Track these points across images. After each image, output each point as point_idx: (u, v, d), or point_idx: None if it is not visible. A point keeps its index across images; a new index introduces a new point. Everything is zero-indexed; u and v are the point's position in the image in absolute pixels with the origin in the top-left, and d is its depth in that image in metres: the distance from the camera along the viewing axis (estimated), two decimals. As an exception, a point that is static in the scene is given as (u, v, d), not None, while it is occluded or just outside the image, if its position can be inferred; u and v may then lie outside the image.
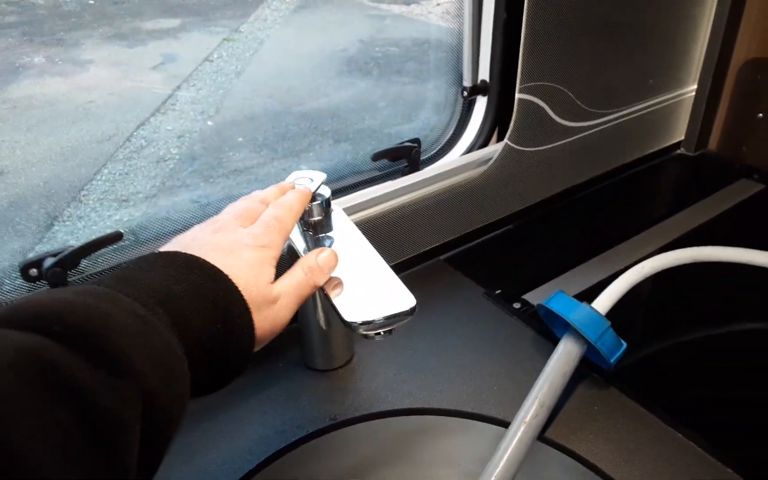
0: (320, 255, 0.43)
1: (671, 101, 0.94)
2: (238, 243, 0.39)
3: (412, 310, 0.40)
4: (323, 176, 0.52)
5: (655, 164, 0.97)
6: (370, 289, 0.43)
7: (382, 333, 0.40)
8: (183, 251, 0.36)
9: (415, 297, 0.40)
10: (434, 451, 0.58)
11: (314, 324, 0.57)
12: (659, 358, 0.63)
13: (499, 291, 0.71)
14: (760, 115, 0.91)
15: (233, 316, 0.35)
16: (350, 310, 0.40)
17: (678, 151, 1.00)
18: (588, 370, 0.59)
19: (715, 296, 0.71)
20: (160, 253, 0.36)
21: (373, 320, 0.39)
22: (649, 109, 0.92)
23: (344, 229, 0.51)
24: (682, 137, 0.99)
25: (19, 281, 0.53)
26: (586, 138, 0.85)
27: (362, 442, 0.56)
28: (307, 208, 0.51)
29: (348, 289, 0.43)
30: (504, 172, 0.78)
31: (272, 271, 0.40)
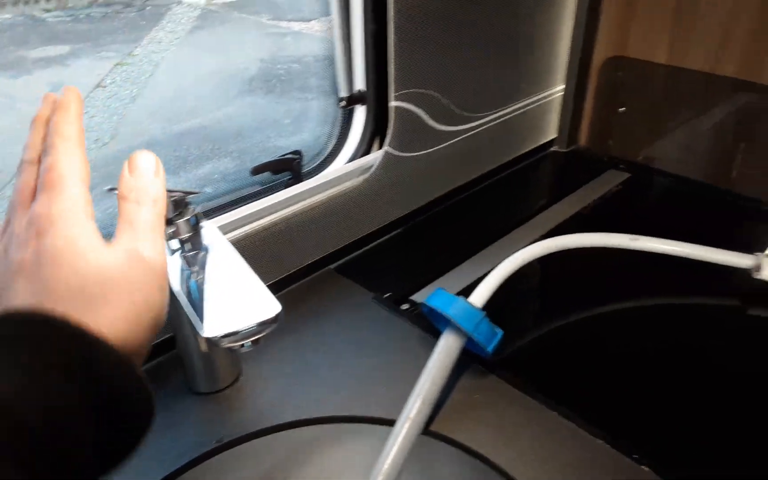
0: (139, 171, 0.36)
1: (542, 101, 1.00)
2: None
3: (276, 318, 0.40)
4: (196, 192, 0.51)
5: (531, 162, 1.03)
6: (233, 301, 0.42)
7: (248, 344, 0.39)
8: None
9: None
10: (326, 460, 0.58)
11: (194, 346, 0.56)
12: (537, 345, 0.67)
13: (389, 294, 0.72)
14: (622, 108, 0.98)
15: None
16: (211, 324, 0.40)
17: (552, 149, 1.07)
18: (470, 361, 0.61)
19: (587, 281, 0.76)
20: None
21: (238, 331, 0.39)
22: (522, 110, 0.97)
23: (215, 244, 0.51)
24: (556, 135, 1.06)
25: None
26: (464, 141, 0.89)
27: (249, 461, 0.55)
28: (175, 226, 0.50)
29: (211, 304, 0.42)
30: (386, 178, 0.79)
31: (94, 240, 0.30)
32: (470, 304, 0.58)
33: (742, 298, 0.71)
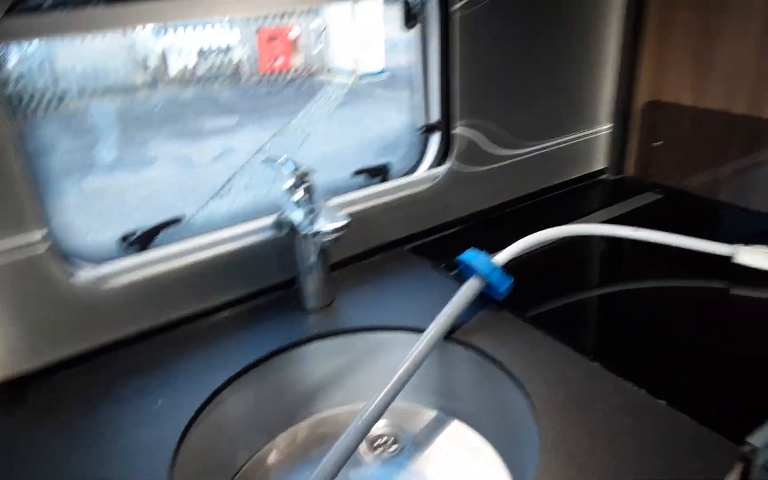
0: None
1: (592, 136, 1.23)
2: None
3: (347, 224, 0.70)
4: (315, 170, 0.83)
5: (582, 186, 1.25)
6: (325, 221, 0.73)
7: (331, 240, 0.70)
8: None
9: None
10: (380, 351, 0.85)
11: (306, 278, 0.87)
12: (556, 307, 0.89)
13: (443, 264, 0.98)
14: (658, 143, 1.18)
15: None
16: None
17: (603, 176, 1.28)
18: (490, 302, 0.85)
19: (602, 266, 0.97)
20: None
21: (320, 231, 0.70)
22: (572, 143, 1.21)
23: (323, 203, 0.82)
24: (606, 165, 1.27)
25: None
26: (518, 163, 1.15)
27: (335, 348, 0.84)
28: (301, 189, 0.82)
29: (314, 225, 0.74)
30: (449, 186, 1.07)
31: None
32: (488, 257, 0.84)
33: (725, 280, 0.88)
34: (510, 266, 0.87)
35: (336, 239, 0.72)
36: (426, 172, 1.07)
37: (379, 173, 1.05)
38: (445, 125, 1.06)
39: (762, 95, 1.00)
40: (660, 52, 1.14)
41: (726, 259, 0.88)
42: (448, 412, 0.84)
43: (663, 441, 0.60)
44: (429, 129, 1.08)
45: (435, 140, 1.09)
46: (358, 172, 1.04)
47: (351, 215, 0.97)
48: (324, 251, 0.86)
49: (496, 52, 1.05)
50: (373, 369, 0.85)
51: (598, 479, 0.57)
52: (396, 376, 0.73)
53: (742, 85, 1.03)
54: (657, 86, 1.17)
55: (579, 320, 0.85)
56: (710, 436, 0.60)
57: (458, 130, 1.05)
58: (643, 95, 1.19)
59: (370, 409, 0.70)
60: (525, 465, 0.69)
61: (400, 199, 1.03)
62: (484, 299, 0.86)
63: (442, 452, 0.79)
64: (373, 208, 1.00)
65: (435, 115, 1.08)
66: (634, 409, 0.64)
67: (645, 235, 0.91)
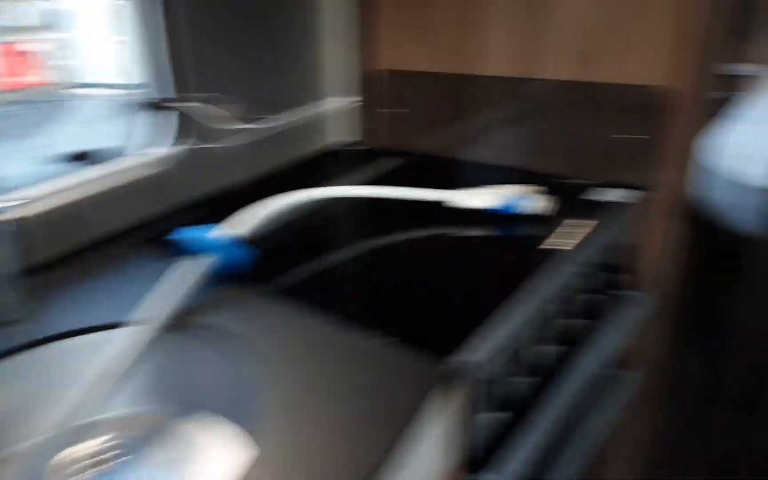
0: None
1: (336, 108, 1.23)
2: None
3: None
4: None
5: (330, 158, 1.24)
6: None
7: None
8: None
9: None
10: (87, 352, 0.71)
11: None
12: (286, 271, 0.83)
13: (181, 251, 0.87)
14: (400, 110, 1.22)
15: None
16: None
17: (350, 147, 1.28)
18: (231, 280, 0.77)
19: (339, 232, 0.96)
20: None
21: None
22: (316, 115, 1.20)
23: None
24: (357, 135, 1.28)
25: None
26: (262, 139, 1.09)
27: (24, 372, 0.69)
28: None
29: None
30: (187, 166, 0.98)
31: None
32: (215, 232, 0.76)
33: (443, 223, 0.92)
34: (259, 242, 0.81)
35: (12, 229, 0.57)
36: (157, 153, 0.95)
37: (84, 158, 0.90)
38: (176, 100, 0.96)
39: (473, 54, 1.07)
40: (391, 23, 1.17)
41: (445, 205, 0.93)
42: (186, 406, 0.74)
43: (387, 378, 0.60)
44: (152, 106, 0.97)
45: (165, 120, 0.98)
46: (74, 157, 0.88)
47: (55, 208, 0.83)
48: (5, 252, 0.70)
49: (220, 26, 0.98)
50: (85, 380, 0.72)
51: (320, 429, 0.52)
52: (90, 384, 0.63)
53: (456, 46, 1.09)
54: (394, 56, 1.20)
55: (321, 284, 0.80)
56: (433, 365, 0.61)
57: (189, 107, 0.96)
58: (381, 65, 1.21)
59: (55, 429, 0.62)
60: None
61: (125, 184, 0.90)
62: (226, 278, 0.77)
63: (175, 451, 0.69)
64: (85, 198, 0.86)
65: (167, 93, 0.96)
66: (366, 355, 0.63)
67: (370, 192, 0.93)
